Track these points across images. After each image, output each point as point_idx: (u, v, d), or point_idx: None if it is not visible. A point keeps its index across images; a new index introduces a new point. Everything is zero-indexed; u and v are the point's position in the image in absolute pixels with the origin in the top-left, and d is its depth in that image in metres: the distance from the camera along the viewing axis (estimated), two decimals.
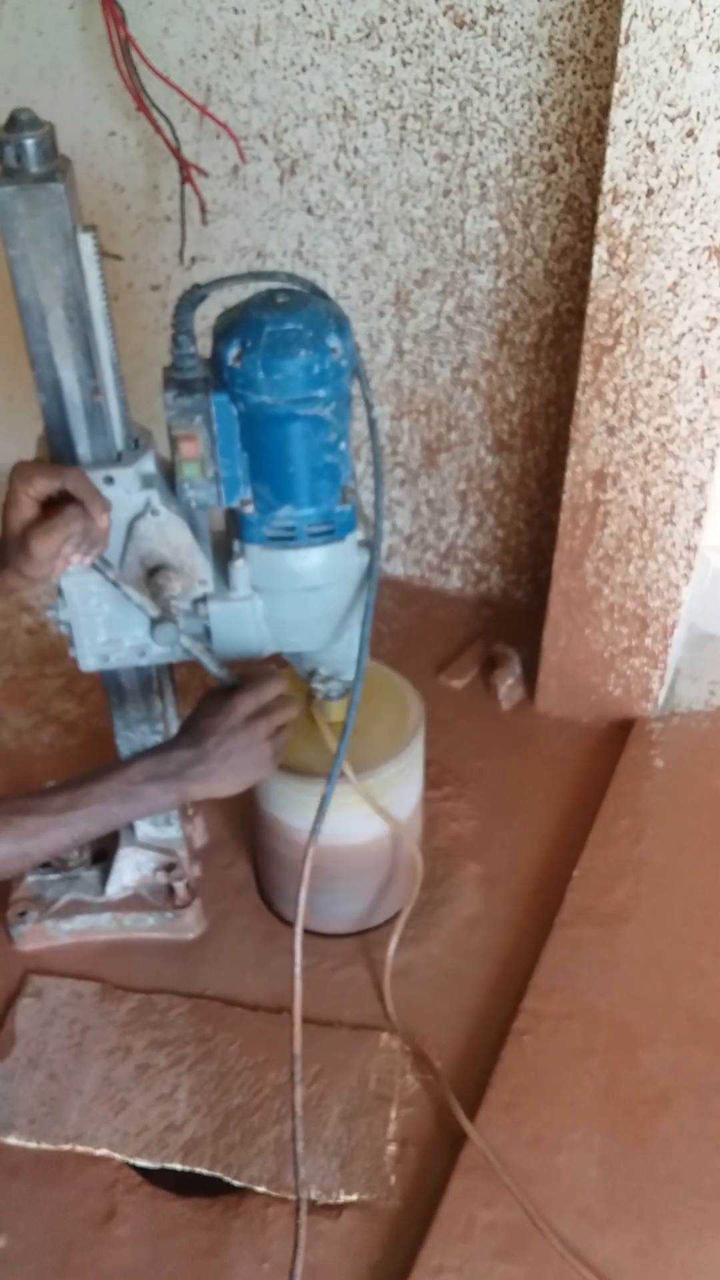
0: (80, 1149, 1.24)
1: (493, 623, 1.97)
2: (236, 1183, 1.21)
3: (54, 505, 1.02)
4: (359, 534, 1.20)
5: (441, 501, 1.93)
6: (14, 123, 0.97)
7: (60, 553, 1.02)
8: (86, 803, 1.04)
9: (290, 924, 1.34)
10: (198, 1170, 1.22)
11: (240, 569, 1.17)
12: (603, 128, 1.39)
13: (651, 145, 1.25)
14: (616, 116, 1.25)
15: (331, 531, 1.16)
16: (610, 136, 1.26)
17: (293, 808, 1.32)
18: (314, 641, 1.25)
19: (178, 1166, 1.22)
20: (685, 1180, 1.19)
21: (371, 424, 1.18)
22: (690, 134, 1.23)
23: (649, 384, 1.40)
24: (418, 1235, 1.15)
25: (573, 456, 1.50)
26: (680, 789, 1.61)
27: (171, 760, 1.08)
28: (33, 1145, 1.24)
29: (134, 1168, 1.23)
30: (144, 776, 1.06)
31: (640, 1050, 1.30)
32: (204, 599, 1.19)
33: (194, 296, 1.07)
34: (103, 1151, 1.23)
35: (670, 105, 1.21)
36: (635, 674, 1.68)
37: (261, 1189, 1.20)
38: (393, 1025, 1.35)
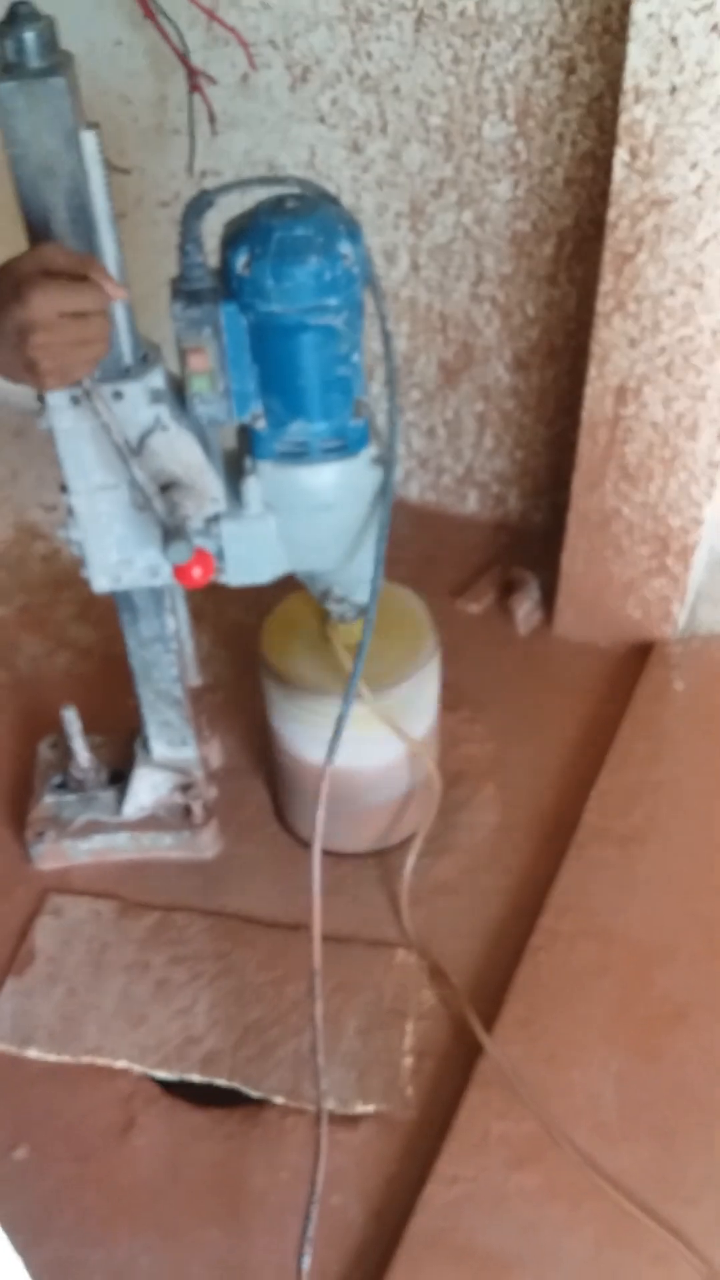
0: (99, 1062, 1.26)
1: (510, 547, 1.95)
2: (255, 1094, 1.23)
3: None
4: (372, 450, 1.18)
5: (458, 423, 1.90)
6: (13, 16, 0.94)
7: (56, 319, 0.89)
8: None
9: (306, 844, 1.34)
10: (216, 1082, 1.24)
11: (253, 486, 1.16)
12: (624, 25, 1.33)
13: (674, 40, 1.20)
14: (638, 10, 1.20)
15: (344, 447, 1.15)
16: (631, 31, 1.21)
17: (309, 728, 1.32)
18: (328, 560, 1.24)
19: (196, 1078, 1.24)
20: (700, 1095, 1.20)
21: (386, 335, 1.15)
22: (715, 28, 1.17)
23: (672, 293, 1.36)
24: (433, 1145, 1.17)
25: (593, 371, 1.46)
26: (699, 712, 1.61)
27: None
28: (52, 1058, 1.27)
29: (153, 1080, 1.26)
30: None
31: (655, 968, 1.30)
32: (217, 518, 1.18)
33: (200, 203, 1.04)
34: (122, 1064, 1.26)
35: None
36: (655, 596, 1.66)
37: (279, 1100, 1.22)
38: (409, 942, 1.36)
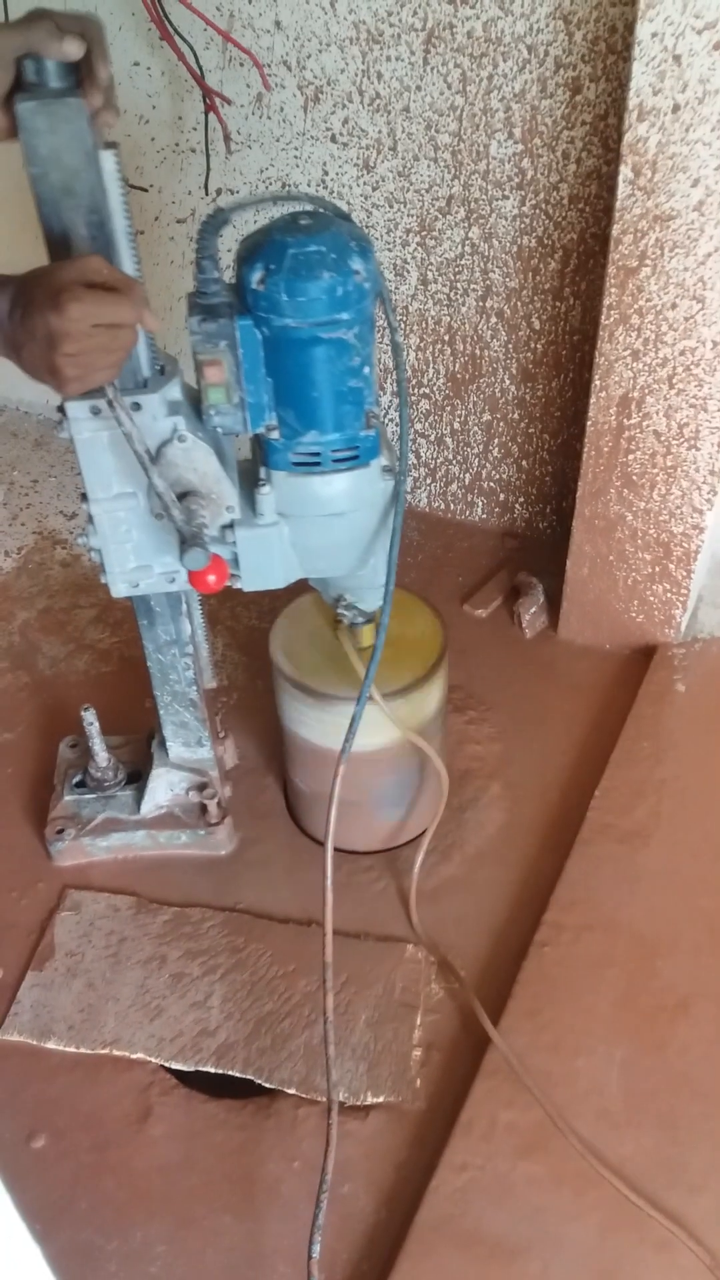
0: (117, 1053, 1.29)
1: (516, 553, 1.98)
2: (268, 1085, 1.25)
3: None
4: (383, 460, 1.20)
5: (466, 433, 1.93)
6: None
7: (88, 330, 0.92)
8: None
9: (318, 842, 1.37)
10: (230, 1073, 1.26)
11: (266, 495, 1.17)
12: (629, 44, 1.37)
13: (678, 59, 1.23)
14: (642, 30, 1.23)
15: (356, 457, 1.17)
16: (636, 50, 1.24)
17: (322, 730, 1.35)
18: (340, 567, 1.26)
19: (211, 1069, 1.27)
20: (703, 1084, 1.22)
21: (396, 348, 1.18)
22: (717, 46, 1.21)
23: (674, 306, 1.39)
24: (442, 1135, 1.19)
25: (596, 382, 1.50)
26: (701, 712, 1.63)
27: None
28: (71, 1050, 1.29)
29: (169, 1071, 1.28)
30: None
31: (659, 960, 1.33)
32: (231, 525, 1.20)
33: (217, 219, 1.07)
34: (139, 1055, 1.28)
35: (697, 17, 1.20)
36: (658, 600, 1.69)
37: (292, 1091, 1.25)
38: (418, 937, 1.39)
